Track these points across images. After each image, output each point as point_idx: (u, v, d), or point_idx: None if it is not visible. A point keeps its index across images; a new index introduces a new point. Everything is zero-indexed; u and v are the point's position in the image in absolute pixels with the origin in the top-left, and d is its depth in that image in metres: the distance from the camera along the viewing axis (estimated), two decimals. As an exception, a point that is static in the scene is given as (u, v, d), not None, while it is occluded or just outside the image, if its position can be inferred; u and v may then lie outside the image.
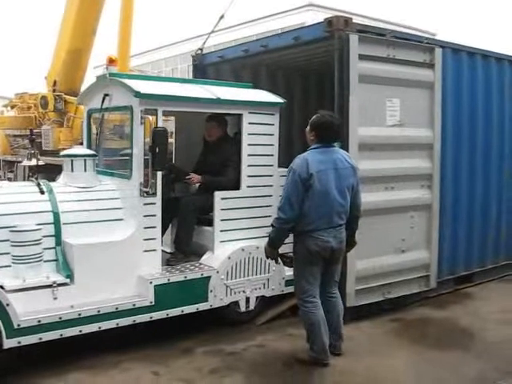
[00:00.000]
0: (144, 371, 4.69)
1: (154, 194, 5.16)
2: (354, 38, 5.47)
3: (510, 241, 7.60)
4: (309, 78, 7.78)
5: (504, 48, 7.58)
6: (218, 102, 5.48)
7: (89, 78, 13.38)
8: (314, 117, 4.77)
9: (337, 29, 5.46)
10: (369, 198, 5.46)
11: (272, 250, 4.80)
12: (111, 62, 5.48)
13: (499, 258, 7.48)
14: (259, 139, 5.73)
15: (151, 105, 5.09)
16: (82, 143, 11.58)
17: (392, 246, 6.04)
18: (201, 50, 7.43)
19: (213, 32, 7.37)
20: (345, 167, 4.68)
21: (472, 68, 6.76)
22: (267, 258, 5.01)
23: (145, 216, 5.16)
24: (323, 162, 4.59)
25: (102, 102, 5.53)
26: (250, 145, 5.67)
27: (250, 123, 5.66)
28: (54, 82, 12.56)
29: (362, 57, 5.56)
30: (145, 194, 5.11)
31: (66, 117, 12.26)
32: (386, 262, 5.96)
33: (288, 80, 7.76)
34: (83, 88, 13.05)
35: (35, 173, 5.69)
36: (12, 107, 14.44)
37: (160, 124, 5.14)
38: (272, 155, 5.82)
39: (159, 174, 5.18)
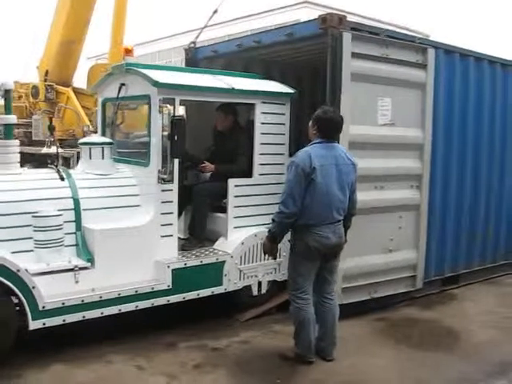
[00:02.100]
0: (127, 365, 4.67)
1: (171, 181, 5.30)
2: (347, 36, 5.45)
3: (496, 243, 7.63)
4: (302, 75, 7.75)
5: (497, 51, 7.58)
6: (233, 91, 5.67)
7: (81, 69, 13.32)
8: (317, 111, 4.78)
9: (330, 26, 5.43)
10: (358, 196, 5.42)
11: (272, 245, 4.76)
12: (128, 52, 5.59)
13: (486, 260, 7.51)
14: (271, 128, 5.93)
15: (169, 94, 5.22)
16: (73, 134, 11.57)
17: (380, 246, 6.04)
18: (194, 43, 7.37)
19: (206, 26, 7.33)
20: (346, 164, 4.68)
21: (464, 70, 6.76)
22: (265, 254, 4.97)
23: (162, 202, 5.31)
24: (325, 157, 4.58)
25: (119, 91, 5.61)
26: (262, 134, 5.86)
27: (262, 113, 5.86)
28: (46, 72, 12.50)
29: (354, 55, 5.54)
30: (162, 181, 5.23)
31: (56, 107, 12.17)
32: (373, 261, 5.96)
33: (281, 76, 7.71)
34: (75, 78, 13.04)
35: (54, 160, 5.79)
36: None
37: (177, 113, 5.28)
38: (283, 144, 5.99)
39: (176, 161, 5.30)
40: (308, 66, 7.50)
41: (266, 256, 5.07)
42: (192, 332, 5.35)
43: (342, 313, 4.98)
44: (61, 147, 11.15)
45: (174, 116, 5.17)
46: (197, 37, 7.40)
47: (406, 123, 6.10)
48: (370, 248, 5.93)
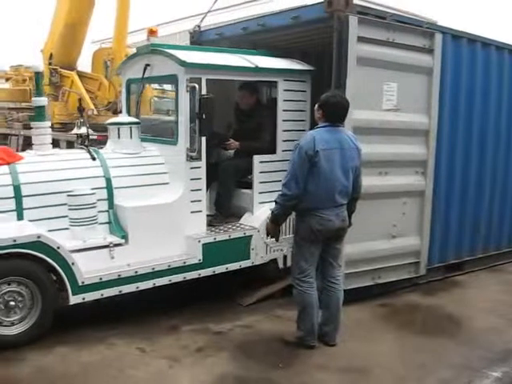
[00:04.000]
0: (129, 347, 4.69)
1: (199, 159, 5.45)
2: (353, 20, 5.39)
3: (500, 231, 7.60)
4: (307, 59, 7.70)
5: (504, 38, 7.48)
6: (256, 70, 5.81)
7: (86, 53, 13.25)
8: (323, 95, 4.76)
9: (336, 9, 5.37)
10: (362, 182, 5.42)
11: (274, 227, 4.78)
12: (152, 33, 5.67)
13: (489, 247, 7.48)
14: (293, 105, 6.08)
15: (196, 73, 5.35)
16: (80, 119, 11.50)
17: (383, 232, 6.02)
18: (199, 26, 7.34)
19: (212, 10, 7.28)
20: (350, 148, 4.65)
21: (472, 55, 6.68)
22: (268, 235, 4.98)
23: (191, 179, 5.47)
24: (330, 141, 4.56)
25: (144, 72, 5.71)
26: (284, 111, 6.01)
27: (284, 90, 6.01)
28: (50, 56, 12.43)
29: (360, 39, 5.48)
30: (191, 159, 5.36)
31: (61, 91, 12.13)
32: (376, 247, 5.95)
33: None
34: (80, 62, 12.98)
35: (84, 141, 5.98)
36: (7, 80, 14.32)
37: (204, 92, 5.37)
38: (304, 120, 6.13)
39: (204, 139, 5.41)
40: (313, 50, 7.43)
41: (269, 237, 5.08)
42: (194, 315, 5.37)
43: (345, 298, 4.98)
44: (64, 131, 11.16)
45: (202, 95, 5.27)
46: (202, 20, 7.37)
47: (411, 109, 6.05)
48: (374, 234, 5.91)
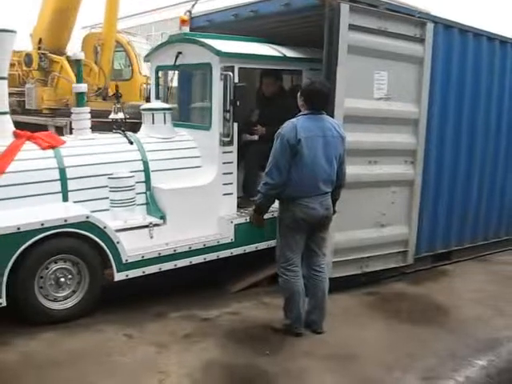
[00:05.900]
0: (116, 334, 4.68)
1: (232, 143, 5.68)
2: (345, 7, 5.37)
3: (488, 221, 7.64)
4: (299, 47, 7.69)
5: (497, 29, 7.49)
6: (285, 59, 6.10)
7: (76, 38, 13.11)
8: (304, 82, 4.77)
9: (328, -3, 5.36)
10: (351, 170, 5.40)
11: (258, 216, 4.78)
12: (183, 22, 5.87)
13: (477, 237, 7.53)
14: None
15: (229, 62, 5.56)
16: (67, 104, 11.39)
17: (372, 220, 6.04)
18: (189, 12, 7.27)
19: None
20: (333, 135, 4.63)
21: (463, 45, 6.68)
22: (252, 225, 5.00)
23: (223, 163, 5.73)
24: (311, 129, 4.53)
25: (176, 59, 5.92)
26: None
27: (308, 78, 6.03)
28: (40, 40, 12.27)
29: (352, 27, 5.47)
30: (223, 144, 5.60)
31: (50, 76, 12.00)
32: (364, 236, 5.97)
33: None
34: (69, 47, 12.84)
35: (121, 125, 6.18)
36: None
37: (237, 80, 5.57)
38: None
39: (235, 124, 5.61)
40: (306, 38, 7.41)
41: (253, 226, 5.06)
42: (182, 302, 5.37)
43: (332, 286, 5.00)
44: (53, 116, 11.06)
45: (235, 83, 5.48)
46: (193, 6, 7.29)
47: (402, 98, 6.05)
48: (363, 222, 5.93)
